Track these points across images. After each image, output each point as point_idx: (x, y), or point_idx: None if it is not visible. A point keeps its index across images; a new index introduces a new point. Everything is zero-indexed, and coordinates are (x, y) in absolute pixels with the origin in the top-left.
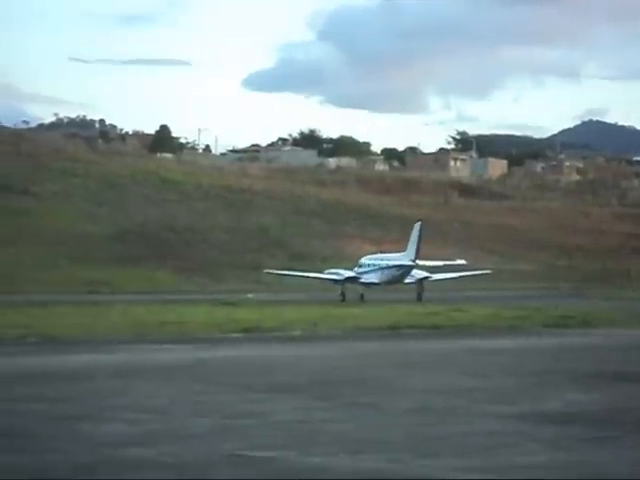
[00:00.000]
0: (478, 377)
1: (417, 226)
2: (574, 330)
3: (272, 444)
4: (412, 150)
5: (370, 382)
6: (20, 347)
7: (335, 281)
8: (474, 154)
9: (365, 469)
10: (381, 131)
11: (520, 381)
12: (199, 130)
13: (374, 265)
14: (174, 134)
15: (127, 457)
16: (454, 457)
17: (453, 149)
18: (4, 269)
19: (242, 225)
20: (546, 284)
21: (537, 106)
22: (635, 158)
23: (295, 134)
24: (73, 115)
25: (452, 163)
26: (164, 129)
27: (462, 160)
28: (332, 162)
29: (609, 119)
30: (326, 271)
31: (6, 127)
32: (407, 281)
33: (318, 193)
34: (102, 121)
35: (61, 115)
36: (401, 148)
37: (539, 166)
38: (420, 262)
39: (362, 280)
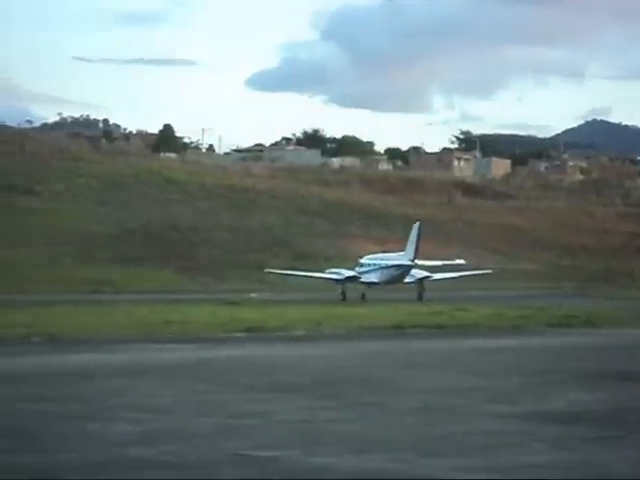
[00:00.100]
0: (482, 377)
1: (416, 226)
2: (578, 330)
3: (276, 444)
4: (415, 150)
5: (374, 382)
6: (24, 347)
7: (336, 280)
8: (478, 154)
9: (369, 469)
10: (385, 131)
11: (524, 381)
12: (203, 130)
13: (374, 265)
14: (178, 134)
15: (130, 456)
16: (459, 457)
17: (457, 149)
18: (8, 268)
19: (246, 225)
20: (550, 284)
21: (541, 106)
22: (639, 158)
23: (299, 134)
24: (77, 115)
25: (456, 163)
26: (168, 129)
27: (466, 160)
28: (335, 162)
29: (613, 119)
30: (327, 270)
31: (10, 127)
32: (407, 281)
33: (322, 193)
34: (106, 121)
35: (65, 115)
36: (404, 148)
37: (543, 166)
38: (419, 262)
39: (362, 279)
